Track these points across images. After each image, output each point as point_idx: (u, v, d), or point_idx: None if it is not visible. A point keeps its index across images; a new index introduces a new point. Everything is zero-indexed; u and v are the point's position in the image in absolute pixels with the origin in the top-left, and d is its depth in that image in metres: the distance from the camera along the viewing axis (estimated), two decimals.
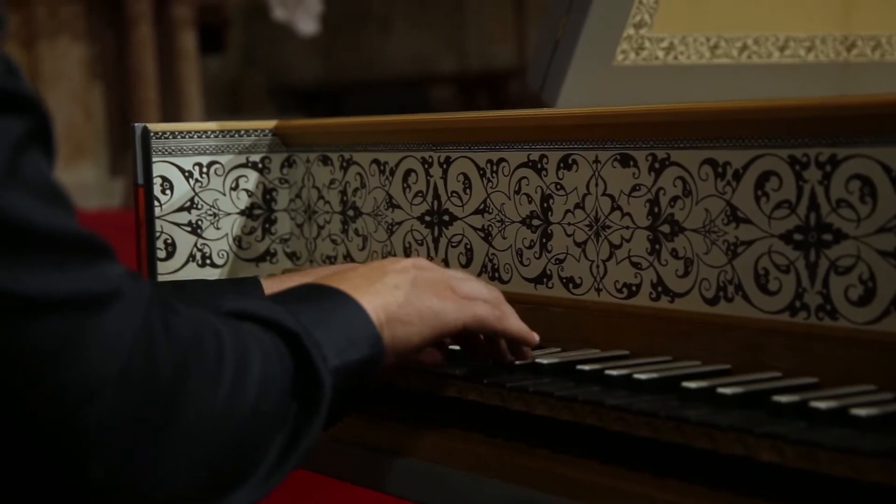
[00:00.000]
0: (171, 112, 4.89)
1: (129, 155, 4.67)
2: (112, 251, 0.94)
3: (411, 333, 1.17)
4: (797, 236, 1.16)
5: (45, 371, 0.88)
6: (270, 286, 1.39)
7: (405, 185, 1.56)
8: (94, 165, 4.65)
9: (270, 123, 1.70)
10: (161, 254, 1.63)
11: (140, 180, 1.60)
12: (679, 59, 1.94)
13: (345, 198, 1.64)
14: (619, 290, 1.32)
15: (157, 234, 1.62)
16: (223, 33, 6.65)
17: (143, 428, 0.93)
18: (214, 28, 6.15)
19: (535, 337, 1.26)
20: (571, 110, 1.43)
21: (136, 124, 1.60)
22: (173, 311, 0.98)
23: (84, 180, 4.36)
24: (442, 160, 1.50)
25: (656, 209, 1.28)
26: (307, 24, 5.15)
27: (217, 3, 5.79)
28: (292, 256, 1.71)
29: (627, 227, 1.31)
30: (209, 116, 5.44)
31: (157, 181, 1.61)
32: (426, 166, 1.53)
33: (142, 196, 1.60)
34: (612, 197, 1.32)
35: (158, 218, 1.62)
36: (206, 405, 0.97)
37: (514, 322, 1.24)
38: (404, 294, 1.17)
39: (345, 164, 1.64)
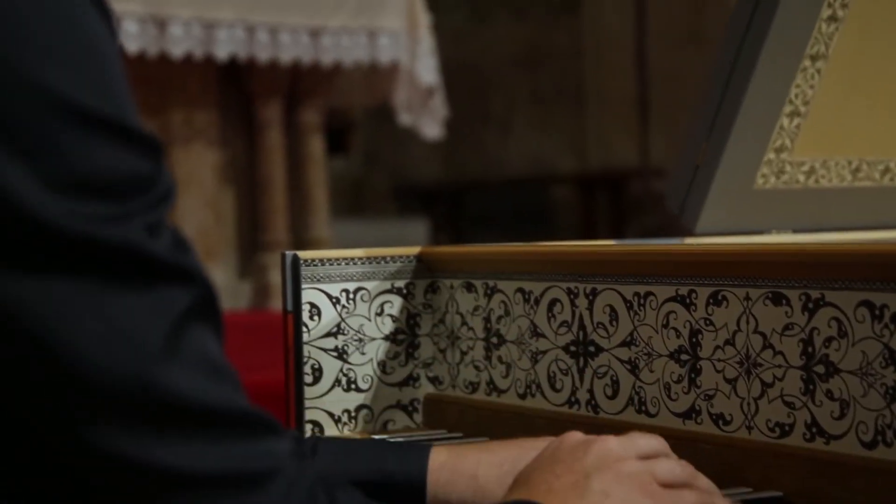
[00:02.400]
0: (299, 216, 4.96)
1: (256, 258, 4.65)
2: (279, 428, 0.93)
3: None
4: None
5: None
6: (440, 455, 1.33)
7: (550, 314, 1.56)
8: (223, 268, 4.73)
9: (415, 250, 1.72)
10: (308, 379, 1.65)
11: (289, 307, 1.63)
12: (820, 183, 1.93)
13: (488, 325, 1.65)
14: (772, 430, 1.31)
15: (305, 360, 1.65)
16: (348, 136, 6.78)
17: None
18: (340, 131, 6.27)
19: None
20: (722, 246, 1.43)
21: (286, 252, 1.63)
22: (344, 491, 0.97)
23: (214, 283, 4.44)
24: (588, 291, 1.51)
25: (810, 349, 1.27)
26: (432, 128, 5.22)
27: (344, 108, 5.91)
28: (435, 381, 1.73)
29: (780, 366, 1.30)
30: (333, 215, 5.53)
31: (306, 307, 1.64)
32: (572, 297, 1.53)
33: (291, 323, 1.63)
34: (763, 335, 1.32)
35: (306, 343, 1.65)
36: None
37: None
38: (616, 502, 1.10)
39: (489, 292, 1.65)
